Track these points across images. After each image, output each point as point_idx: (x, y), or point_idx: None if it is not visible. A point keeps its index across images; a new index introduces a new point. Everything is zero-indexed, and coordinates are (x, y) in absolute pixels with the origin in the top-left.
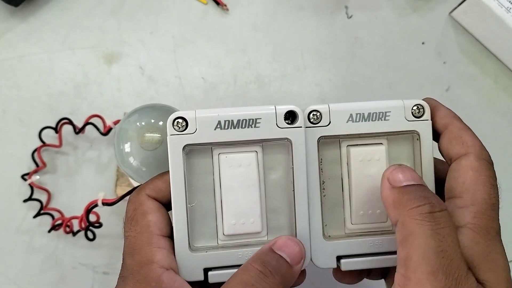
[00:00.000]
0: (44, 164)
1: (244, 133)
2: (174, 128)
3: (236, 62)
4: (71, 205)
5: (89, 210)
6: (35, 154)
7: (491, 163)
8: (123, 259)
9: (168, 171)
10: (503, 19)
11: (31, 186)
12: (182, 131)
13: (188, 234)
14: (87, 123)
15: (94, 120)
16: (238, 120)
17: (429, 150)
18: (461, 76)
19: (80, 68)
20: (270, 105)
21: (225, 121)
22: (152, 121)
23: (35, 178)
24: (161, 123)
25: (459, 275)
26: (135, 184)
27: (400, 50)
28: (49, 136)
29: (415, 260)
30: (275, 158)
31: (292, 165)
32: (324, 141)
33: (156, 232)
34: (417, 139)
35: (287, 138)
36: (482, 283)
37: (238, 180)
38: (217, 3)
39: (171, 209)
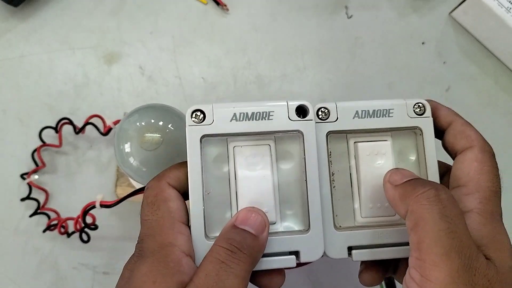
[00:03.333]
0: (44, 164)
1: (258, 124)
2: (193, 120)
3: (236, 62)
4: (70, 205)
5: (85, 211)
6: (35, 154)
7: (493, 155)
8: (141, 240)
9: (185, 161)
10: (503, 19)
11: (30, 186)
12: (199, 122)
13: (204, 222)
14: (87, 123)
15: (94, 120)
16: (253, 113)
17: (432, 144)
18: (461, 76)
19: (80, 68)
20: (282, 100)
21: (240, 113)
22: (152, 121)
23: (34, 177)
24: (161, 123)
25: (471, 253)
26: (135, 184)
27: (400, 50)
28: (49, 136)
29: (427, 243)
30: (287, 150)
31: (304, 155)
32: (332, 136)
33: (178, 219)
34: (420, 135)
35: (298, 130)
36: (490, 260)
37: (252, 171)
38: (217, 3)
39: (187, 199)
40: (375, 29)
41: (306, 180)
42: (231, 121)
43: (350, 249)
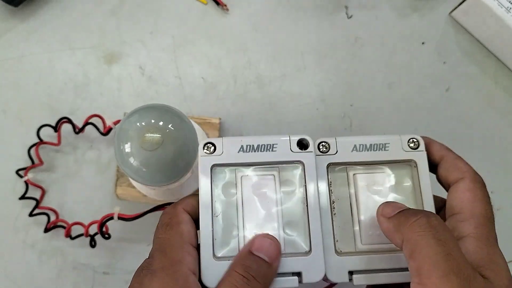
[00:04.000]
0: (41, 162)
1: (263, 155)
2: (204, 151)
3: (236, 62)
4: (69, 205)
5: (103, 222)
6: (32, 151)
7: (484, 185)
8: (151, 256)
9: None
10: (503, 19)
11: (27, 183)
12: (210, 154)
13: (213, 243)
14: (87, 123)
15: (94, 120)
16: (258, 145)
17: (426, 176)
18: (461, 76)
19: (80, 68)
20: (285, 134)
21: (247, 145)
22: (153, 121)
23: (30, 175)
24: (161, 123)
25: (468, 274)
26: (135, 184)
27: (400, 50)
28: (49, 136)
29: (426, 268)
30: (290, 178)
31: (305, 183)
32: (332, 168)
33: (188, 240)
34: (415, 167)
35: (299, 161)
36: (487, 279)
37: (258, 196)
38: (217, 3)
39: (199, 228)
40: (375, 29)
41: (307, 207)
42: (238, 152)
43: (351, 273)
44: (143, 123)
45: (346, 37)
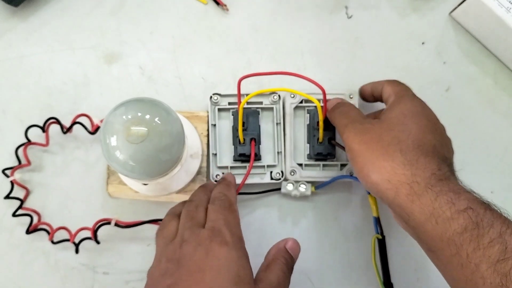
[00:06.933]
0: (28, 162)
1: None
2: None
3: (236, 62)
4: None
5: (97, 228)
6: (20, 151)
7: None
8: (219, 230)
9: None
10: (503, 19)
11: (12, 183)
12: None
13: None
14: (74, 123)
15: (82, 120)
16: None
17: None
18: (461, 76)
19: (80, 68)
20: None
21: None
22: (139, 114)
23: (17, 175)
24: (147, 116)
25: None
26: (126, 180)
27: (400, 50)
28: (38, 136)
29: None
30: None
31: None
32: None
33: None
34: None
35: None
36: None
37: None
38: (217, 3)
39: None
40: (375, 29)
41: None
42: None
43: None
44: (129, 116)
45: (346, 37)
